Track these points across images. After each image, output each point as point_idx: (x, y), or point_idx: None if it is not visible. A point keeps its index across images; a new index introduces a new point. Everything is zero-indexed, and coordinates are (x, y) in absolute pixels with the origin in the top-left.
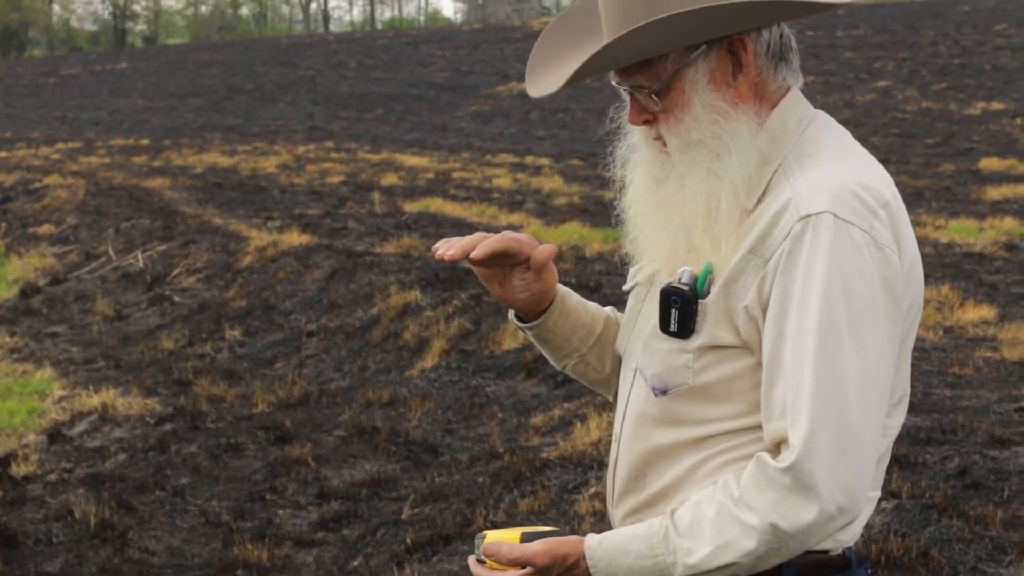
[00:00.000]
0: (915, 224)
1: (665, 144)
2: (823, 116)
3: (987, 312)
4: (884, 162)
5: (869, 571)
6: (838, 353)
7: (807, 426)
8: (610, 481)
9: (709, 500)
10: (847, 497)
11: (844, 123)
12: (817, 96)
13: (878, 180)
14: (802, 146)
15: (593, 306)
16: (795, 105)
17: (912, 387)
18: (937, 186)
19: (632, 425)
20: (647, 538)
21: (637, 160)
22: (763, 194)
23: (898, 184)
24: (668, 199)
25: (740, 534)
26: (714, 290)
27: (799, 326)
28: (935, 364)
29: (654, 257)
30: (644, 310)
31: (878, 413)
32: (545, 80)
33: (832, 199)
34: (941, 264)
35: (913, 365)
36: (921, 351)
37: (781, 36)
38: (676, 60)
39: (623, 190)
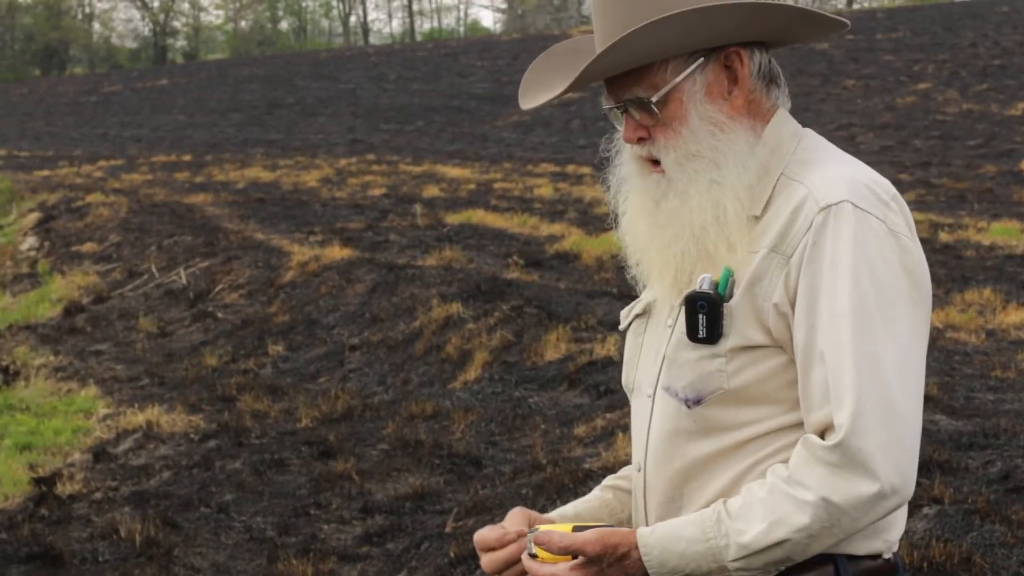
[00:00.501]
0: (957, 227)
1: (658, 164)
2: (812, 132)
3: None
4: (925, 164)
5: None
6: (873, 335)
7: (852, 405)
8: (639, 513)
9: (760, 485)
10: (900, 476)
11: (884, 127)
12: (858, 100)
13: (882, 178)
14: (801, 155)
15: (594, 497)
16: (787, 121)
17: (953, 391)
18: (979, 188)
19: (662, 445)
20: (700, 523)
21: (629, 189)
22: (770, 201)
23: (940, 186)
24: (672, 216)
25: (793, 510)
26: (738, 292)
27: (831, 311)
28: (977, 368)
29: (663, 276)
30: (647, 340)
31: (918, 393)
32: (539, 95)
33: (849, 190)
34: (983, 267)
35: (955, 368)
36: (963, 355)
37: (770, 62)
38: (675, 71)
39: (617, 220)
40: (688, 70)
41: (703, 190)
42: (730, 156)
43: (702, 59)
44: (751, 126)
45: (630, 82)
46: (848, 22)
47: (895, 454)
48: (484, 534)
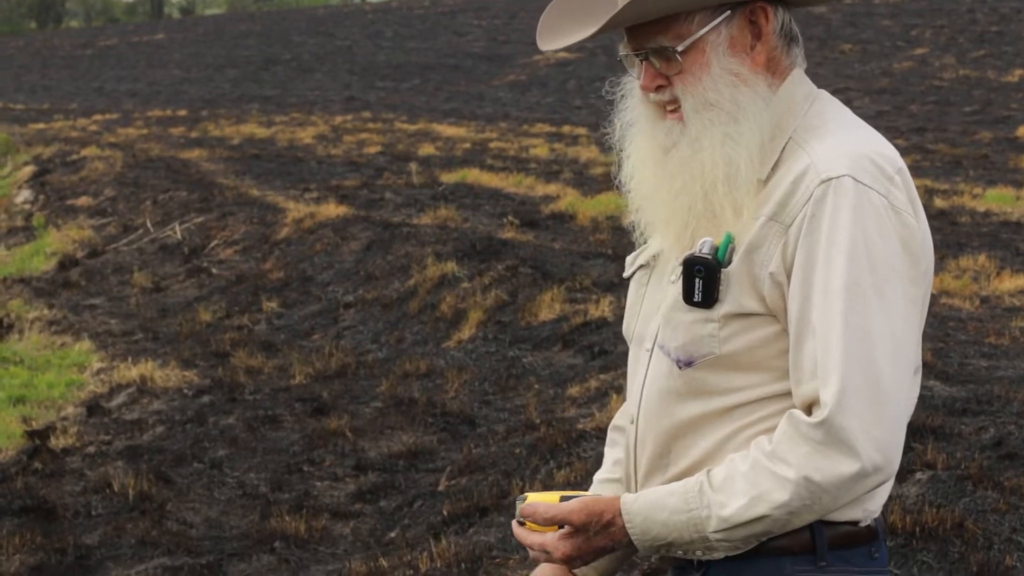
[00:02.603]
0: (952, 193)
1: (674, 110)
2: (827, 94)
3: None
4: (921, 130)
5: (887, 544)
6: (866, 312)
7: (838, 383)
8: (630, 465)
9: (743, 457)
10: (882, 455)
11: (881, 92)
12: (855, 64)
13: (890, 149)
14: (811, 119)
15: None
16: (802, 81)
17: (947, 357)
18: (975, 154)
19: (654, 402)
20: (682, 493)
21: (637, 133)
22: (776, 166)
23: (935, 152)
24: (682, 165)
25: (773, 486)
26: (736, 258)
27: (825, 287)
28: (971, 334)
29: (669, 225)
30: (649, 291)
31: (907, 373)
32: (560, 37)
33: (851, 164)
34: (978, 233)
35: (949, 335)
36: (957, 320)
37: (791, 21)
38: (701, 22)
39: (621, 164)
40: (715, 22)
41: (717, 143)
42: (749, 111)
43: (728, 12)
44: (769, 83)
45: (654, 30)
46: None
47: (878, 433)
48: None
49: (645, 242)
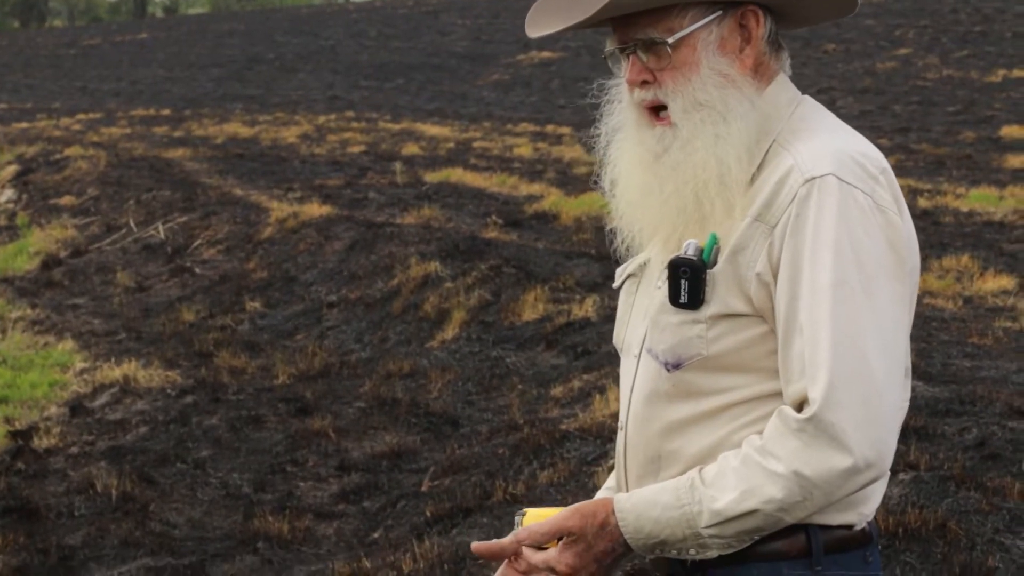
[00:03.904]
0: (935, 193)
1: (660, 116)
2: (811, 99)
3: (1007, 282)
4: (904, 130)
5: (880, 547)
6: (853, 309)
7: (827, 379)
8: (621, 471)
9: (735, 454)
10: (874, 450)
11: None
12: (838, 64)
13: (874, 150)
14: (794, 123)
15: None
16: (787, 86)
17: (931, 357)
18: (958, 154)
19: (643, 406)
20: (674, 490)
21: (624, 139)
22: (760, 167)
23: (919, 152)
24: (674, 169)
25: (764, 481)
26: (721, 259)
27: (812, 285)
28: (954, 334)
29: (656, 232)
30: (638, 300)
31: (897, 369)
32: (550, 24)
33: (835, 163)
34: (961, 233)
35: (931, 335)
36: (940, 321)
37: (777, 32)
38: (693, 18)
39: (606, 168)
40: (707, 19)
41: (709, 143)
42: (737, 111)
43: (721, 12)
44: (756, 87)
45: (646, 22)
46: (858, 1)
47: (870, 429)
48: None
49: (628, 249)
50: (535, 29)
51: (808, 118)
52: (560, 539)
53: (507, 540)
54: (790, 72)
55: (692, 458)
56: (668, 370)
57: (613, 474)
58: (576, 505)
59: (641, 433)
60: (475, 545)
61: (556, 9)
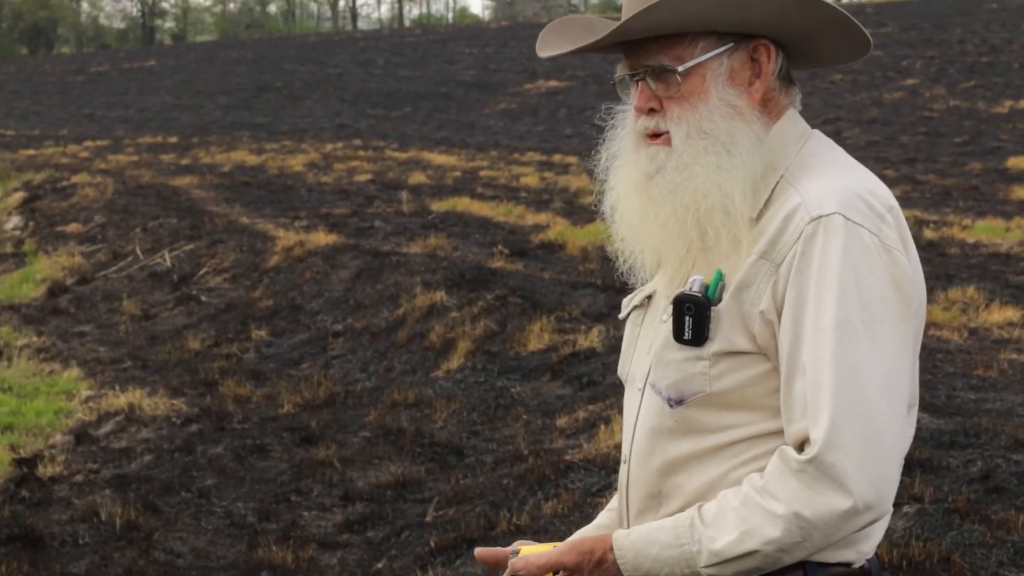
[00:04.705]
0: (942, 224)
1: (658, 137)
2: (820, 134)
3: (1013, 314)
4: (911, 161)
5: None
6: (856, 349)
7: (828, 420)
8: (623, 503)
9: (735, 492)
10: (875, 492)
11: (871, 122)
12: (845, 95)
13: (882, 188)
14: (803, 159)
15: (603, 518)
16: (795, 121)
17: (935, 389)
18: (964, 185)
19: (645, 441)
20: (673, 528)
21: (621, 164)
22: (767, 204)
23: (925, 183)
24: (670, 192)
25: (764, 522)
26: (726, 296)
27: (815, 324)
28: (959, 366)
29: (663, 259)
30: (643, 332)
31: (899, 410)
32: (561, 46)
33: (841, 202)
34: (967, 265)
35: (937, 367)
36: (945, 352)
37: (788, 69)
38: (705, 48)
39: (607, 194)
40: (718, 50)
41: (711, 171)
42: (742, 144)
43: (732, 44)
44: (764, 121)
45: (657, 49)
46: (871, 42)
47: (871, 471)
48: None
49: (631, 272)
50: (546, 49)
51: (816, 154)
52: (556, 574)
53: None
54: (800, 107)
55: (692, 494)
56: (671, 406)
57: (614, 499)
58: (573, 540)
59: (643, 467)
60: (479, 551)
61: (568, 32)
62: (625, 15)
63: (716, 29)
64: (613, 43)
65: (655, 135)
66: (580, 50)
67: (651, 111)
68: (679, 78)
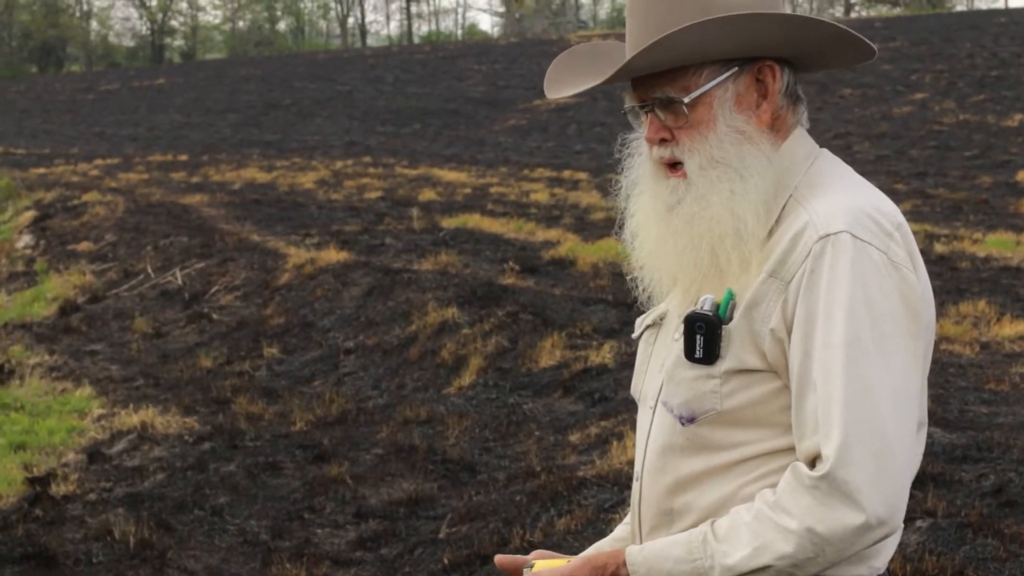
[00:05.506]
0: (952, 238)
1: (675, 169)
2: (828, 153)
3: None
4: (921, 175)
5: None
6: (866, 366)
7: (840, 437)
8: (635, 520)
9: (748, 508)
10: (887, 508)
11: (881, 136)
12: (855, 109)
13: (890, 205)
14: (811, 177)
15: (620, 531)
16: (804, 140)
17: (947, 403)
18: (975, 199)
19: (657, 458)
20: (686, 543)
21: (641, 192)
22: (776, 223)
23: (935, 197)
24: (688, 222)
25: (777, 537)
26: (737, 315)
27: (825, 342)
28: (971, 380)
29: (677, 283)
30: (656, 351)
31: (910, 426)
32: (568, 86)
33: (849, 220)
34: (978, 279)
35: (949, 381)
36: (957, 367)
37: (796, 83)
38: (709, 76)
39: (627, 221)
40: (722, 76)
41: (724, 198)
42: (753, 168)
43: (736, 68)
44: (772, 142)
45: (662, 82)
46: (875, 49)
47: (883, 486)
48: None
49: (649, 299)
50: (555, 90)
51: (825, 173)
52: None
53: None
54: (807, 125)
55: (704, 511)
56: (683, 424)
57: (627, 519)
58: (587, 555)
59: (655, 485)
60: (499, 557)
61: (574, 70)
62: (628, 46)
63: (718, 59)
64: (618, 81)
65: (672, 164)
66: (587, 90)
67: (663, 141)
68: (686, 109)
